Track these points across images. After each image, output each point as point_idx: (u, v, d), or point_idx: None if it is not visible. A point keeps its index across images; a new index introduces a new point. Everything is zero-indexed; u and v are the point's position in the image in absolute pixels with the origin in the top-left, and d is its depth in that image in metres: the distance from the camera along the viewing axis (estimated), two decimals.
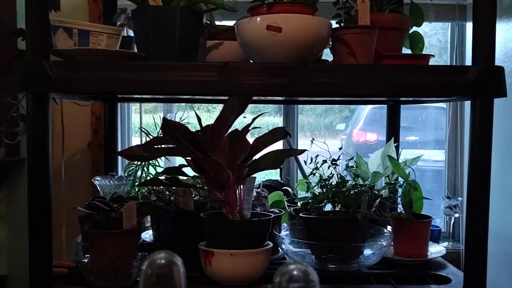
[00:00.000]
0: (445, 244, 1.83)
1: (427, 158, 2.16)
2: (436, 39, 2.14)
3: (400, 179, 1.42)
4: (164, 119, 1.04)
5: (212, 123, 1.12)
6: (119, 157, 1.67)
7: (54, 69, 1.00)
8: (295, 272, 0.49)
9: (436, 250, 1.37)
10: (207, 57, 1.23)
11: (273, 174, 1.96)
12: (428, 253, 1.33)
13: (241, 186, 1.17)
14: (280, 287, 0.49)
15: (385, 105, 1.66)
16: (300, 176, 1.84)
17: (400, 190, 1.40)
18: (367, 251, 1.25)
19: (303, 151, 1.15)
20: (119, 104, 1.67)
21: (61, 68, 1.01)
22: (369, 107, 2.89)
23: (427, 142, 2.38)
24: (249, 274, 1.11)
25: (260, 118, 1.19)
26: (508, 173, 1.58)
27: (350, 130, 2.83)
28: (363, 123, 2.86)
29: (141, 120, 1.79)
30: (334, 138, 2.60)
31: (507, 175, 1.58)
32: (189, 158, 1.12)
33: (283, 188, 1.59)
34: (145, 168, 1.53)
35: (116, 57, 1.08)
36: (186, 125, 1.10)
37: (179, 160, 1.29)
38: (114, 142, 1.59)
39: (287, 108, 1.95)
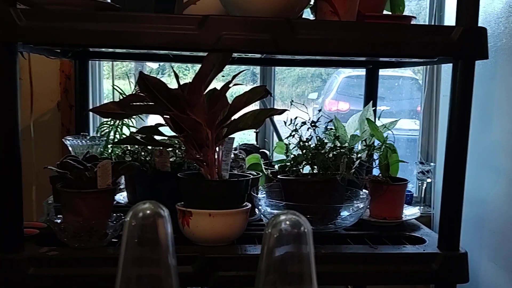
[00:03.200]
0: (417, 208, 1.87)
1: (400, 127, 2.19)
2: (416, 4, 2.13)
3: (377, 143, 1.42)
4: (141, 73, 0.99)
5: (191, 80, 1.08)
6: (91, 118, 1.61)
7: (21, 17, 0.94)
8: (287, 223, 0.47)
9: (410, 212, 1.39)
10: (184, 12, 1.18)
11: (250, 139, 1.94)
12: (403, 215, 1.35)
13: (220, 146, 1.14)
14: (272, 238, 0.46)
15: (358, 76, 1.65)
16: (276, 139, 1.83)
17: (376, 153, 1.40)
18: (344, 213, 1.26)
19: (283, 110, 1.13)
20: (90, 65, 1.60)
21: (29, 16, 0.95)
22: (342, 76, 2.89)
23: (399, 112, 2.41)
24: (228, 235, 1.10)
25: (233, 88, 1.15)
26: (482, 139, 1.61)
27: (322, 99, 2.83)
28: (335, 92, 2.86)
29: (113, 80, 1.72)
30: (301, 110, 2.60)
31: (481, 141, 1.61)
32: (167, 116, 1.09)
33: (260, 151, 1.57)
34: (118, 129, 1.47)
35: (88, 7, 1.02)
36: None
37: (153, 123, 1.24)
38: (85, 101, 1.52)
39: (263, 77, 1.92)
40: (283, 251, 0.47)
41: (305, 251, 0.47)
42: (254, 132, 1.87)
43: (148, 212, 0.49)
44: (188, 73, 2.38)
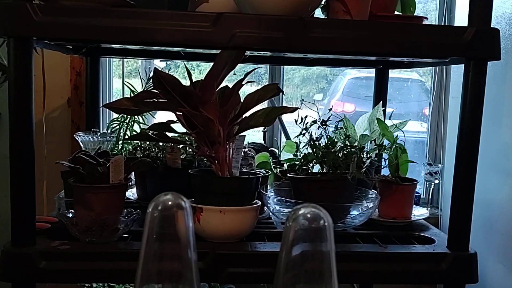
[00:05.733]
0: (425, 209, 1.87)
1: (407, 129, 2.20)
2: (422, 6, 2.13)
3: (386, 143, 1.42)
4: (156, 69, 1.00)
5: (203, 78, 1.09)
6: (101, 114, 1.62)
7: (38, 12, 0.95)
8: (308, 216, 0.47)
9: (419, 212, 1.39)
10: (197, 10, 1.18)
11: (257, 139, 1.94)
12: (412, 215, 1.35)
13: (231, 143, 1.15)
14: (293, 231, 0.47)
15: (364, 77, 1.65)
16: (284, 138, 1.83)
17: (386, 153, 1.40)
18: (353, 212, 1.26)
19: (295, 109, 1.13)
20: (100, 62, 1.60)
21: (45, 11, 0.96)
22: (348, 77, 2.89)
23: (406, 114, 2.41)
24: (238, 231, 1.11)
25: (243, 87, 1.15)
26: (491, 140, 1.61)
27: (328, 100, 2.83)
28: (341, 93, 2.86)
29: (123, 77, 1.73)
30: (311, 109, 2.60)
31: (490, 143, 1.60)
32: (179, 113, 1.09)
33: (269, 149, 1.58)
34: (129, 125, 1.48)
35: (103, 3, 1.02)
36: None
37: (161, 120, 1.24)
38: (96, 98, 1.53)
39: (272, 76, 1.93)
40: (304, 245, 0.48)
41: (326, 244, 0.47)
42: (262, 131, 1.88)
43: (169, 203, 0.49)
44: (194, 72, 2.40)
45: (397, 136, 1.37)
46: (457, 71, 1.76)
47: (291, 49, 1.02)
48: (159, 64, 2.09)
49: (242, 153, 1.30)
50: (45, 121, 1.55)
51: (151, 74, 1.17)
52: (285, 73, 2.11)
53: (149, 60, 1.93)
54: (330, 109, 1.35)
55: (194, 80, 1.10)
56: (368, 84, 1.71)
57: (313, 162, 1.27)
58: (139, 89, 1.57)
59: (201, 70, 2.29)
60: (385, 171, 1.42)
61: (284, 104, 2.15)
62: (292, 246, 0.48)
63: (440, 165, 1.86)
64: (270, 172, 1.39)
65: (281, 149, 1.57)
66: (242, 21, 1.00)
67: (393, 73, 2.08)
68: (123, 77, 1.71)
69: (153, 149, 1.28)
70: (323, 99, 2.84)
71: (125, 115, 1.50)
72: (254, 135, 2.01)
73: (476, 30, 1.05)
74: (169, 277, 0.50)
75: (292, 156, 1.41)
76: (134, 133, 1.49)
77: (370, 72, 1.67)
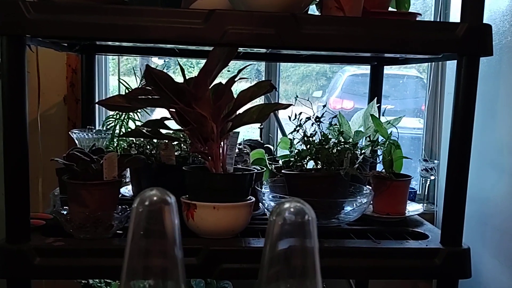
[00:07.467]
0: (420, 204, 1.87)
1: (404, 125, 2.20)
2: (422, 2, 2.13)
3: (381, 139, 1.42)
4: (148, 66, 1.00)
5: (196, 74, 1.09)
6: (97, 112, 1.62)
7: (30, 9, 0.95)
8: (291, 210, 0.48)
9: (413, 208, 1.39)
10: (190, 7, 1.18)
11: (253, 136, 1.95)
12: (406, 211, 1.35)
13: (225, 140, 1.15)
14: (276, 226, 0.47)
15: (363, 74, 1.65)
16: (280, 135, 1.84)
17: (380, 149, 1.41)
18: (347, 208, 1.26)
19: (289, 105, 1.13)
20: (96, 60, 1.61)
21: (37, 9, 0.96)
22: (347, 74, 2.89)
23: (404, 110, 2.41)
24: (232, 228, 1.11)
25: (237, 84, 1.15)
26: (486, 136, 1.61)
27: (327, 97, 2.84)
28: (340, 90, 2.86)
29: (119, 74, 1.73)
30: (306, 106, 2.59)
31: (484, 139, 1.61)
32: (172, 109, 1.09)
33: (265, 146, 1.58)
34: (124, 122, 1.49)
35: (96, 0, 1.03)
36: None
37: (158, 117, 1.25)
38: (92, 95, 1.53)
39: (268, 74, 1.93)
40: (287, 239, 0.48)
41: (309, 239, 0.48)
42: (259, 128, 1.88)
43: (155, 198, 0.50)
44: (193, 70, 2.39)
45: (391, 132, 1.38)
46: (452, 67, 1.76)
47: (283, 46, 1.02)
48: (158, 61, 2.10)
49: (237, 150, 1.31)
50: (42, 119, 1.56)
51: None
52: (284, 70, 2.10)
53: (147, 57, 1.93)
54: (324, 106, 1.35)
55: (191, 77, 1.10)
56: (367, 81, 1.70)
57: (307, 158, 1.27)
58: (135, 86, 1.57)
59: (200, 66, 2.28)
60: (380, 167, 1.42)
61: (283, 102, 2.15)
62: (276, 241, 0.49)
63: (436, 161, 1.86)
64: (265, 169, 1.39)
65: (277, 145, 1.57)
66: (234, 18, 1.01)
67: (392, 70, 2.08)
68: (119, 74, 1.71)
69: (148, 146, 1.28)
70: (322, 96, 2.84)
71: (121, 113, 1.50)
72: (253, 132, 2.02)
73: (468, 26, 1.05)
74: (155, 273, 0.51)
75: (287, 153, 1.41)
76: (129, 130, 1.49)
77: (369, 69, 1.67)
